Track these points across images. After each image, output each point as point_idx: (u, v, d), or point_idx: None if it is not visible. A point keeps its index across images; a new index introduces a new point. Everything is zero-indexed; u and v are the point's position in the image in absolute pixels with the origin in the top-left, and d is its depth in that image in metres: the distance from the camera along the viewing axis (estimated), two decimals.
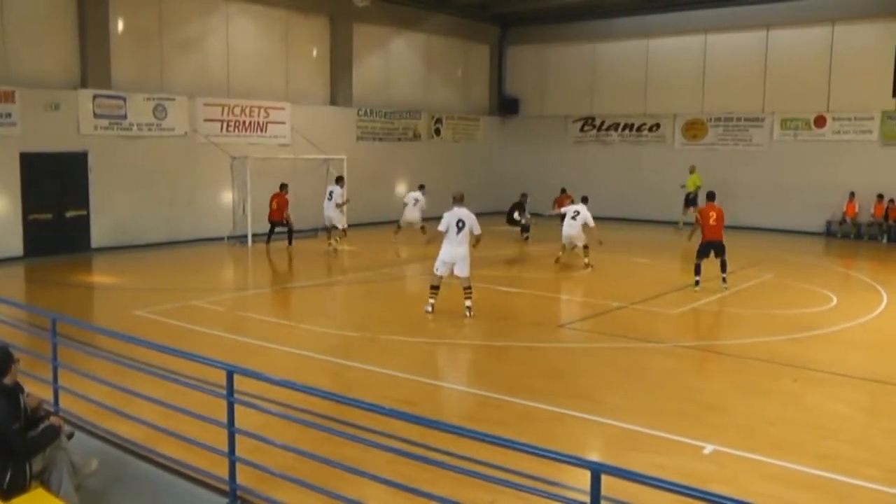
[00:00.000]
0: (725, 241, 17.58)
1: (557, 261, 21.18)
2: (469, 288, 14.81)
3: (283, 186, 23.72)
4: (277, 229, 23.82)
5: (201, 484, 7.29)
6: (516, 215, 25.95)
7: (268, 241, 23.91)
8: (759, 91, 30.21)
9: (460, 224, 14.71)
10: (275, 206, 23.64)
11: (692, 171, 29.77)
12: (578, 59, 34.75)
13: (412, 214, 24.83)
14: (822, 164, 28.61)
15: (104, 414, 8.43)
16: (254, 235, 24.00)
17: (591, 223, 20.38)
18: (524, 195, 26.29)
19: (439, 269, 14.90)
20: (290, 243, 23.58)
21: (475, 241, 15.04)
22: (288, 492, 6.86)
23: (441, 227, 14.96)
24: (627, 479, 4.82)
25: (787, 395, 10.63)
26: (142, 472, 7.69)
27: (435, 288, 15.06)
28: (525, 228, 25.85)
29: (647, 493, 5.38)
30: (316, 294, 17.67)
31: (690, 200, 29.25)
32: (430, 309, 15.00)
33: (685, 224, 28.06)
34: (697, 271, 17.66)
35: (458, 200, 15.03)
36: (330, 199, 23.52)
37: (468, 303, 14.77)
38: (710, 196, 18.51)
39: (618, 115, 33.68)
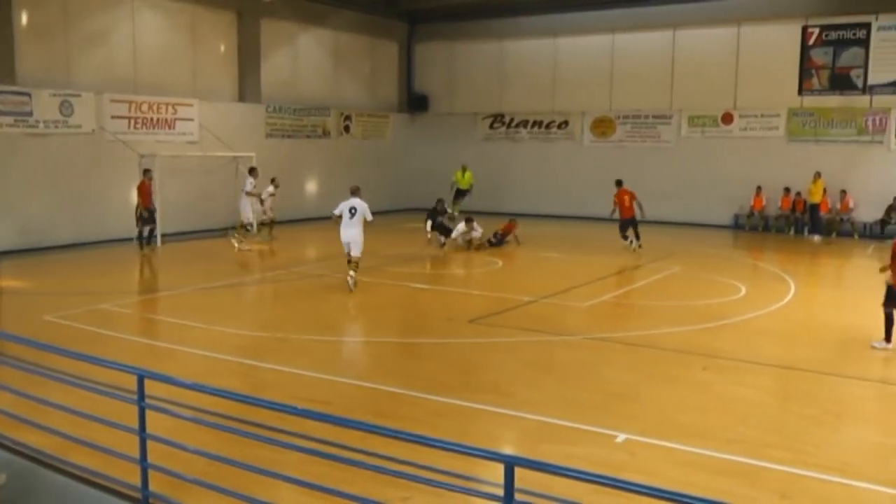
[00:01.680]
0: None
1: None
2: (357, 264, 17.07)
3: (147, 172, 22.43)
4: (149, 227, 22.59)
5: (113, 493, 7.14)
6: (446, 221, 24.89)
7: (142, 242, 22.39)
8: (667, 89, 30.83)
9: (353, 210, 16.89)
10: (141, 192, 22.22)
11: (465, 168, 29.38)
12: (487, 56, 34.97)
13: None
14: (730, 159, 29.36)
15: (12, 424, 8.20)
16: (163, 235, 23.58)
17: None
18: (440, 201, 25.29)
19: (344, 248, 17.15)
20: (148, 242, 22.39)
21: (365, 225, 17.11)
22: (201, 497, 6.78)
23: (335, 212, 17.17)
24: (541, 471, 4.87)
25: (698, 383, 10.87)
26: (52, 482, 7.50)
27: (349, 262, 17.15)
28: (447, 232, 24.77)
29: (561, 484, 5.46)
30: (226, 295, 17.44)
31: (460, 194, 29.10)
32: (348, 280, 17.03)
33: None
34: (625, 239, 23.07)
35: (355, 192, 17.32)
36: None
37: (352, 273, 16.98)
38: (619, 183, 23.26)
39: (527, 112, 34.00)
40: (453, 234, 23.63)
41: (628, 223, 23.03)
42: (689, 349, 12.45)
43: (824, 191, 27.13)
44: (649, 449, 8.38)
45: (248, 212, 23.58)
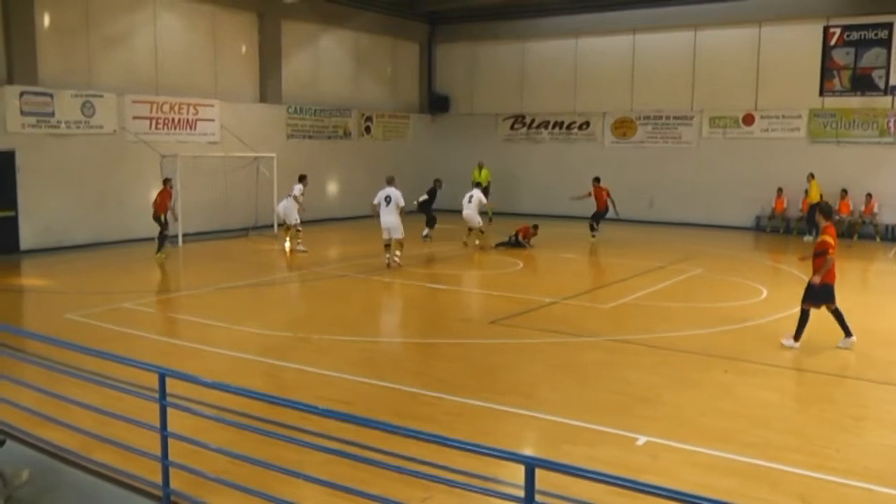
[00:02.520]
0: (655, 235, 18.18)
1: (465, 245, 24.18)
2: (401, 244, 19.74)
3: (167, 181, 22.21)
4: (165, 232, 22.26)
5: (135, 490, 7.17)
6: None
7: (158, 249, 21.91)
8: (688, 90, 30.70)
9: (388, 199, 19.43)
10: (158, 199, 21.84)
11: (481, 166, 31.35)
12: (508, 57, 34.92)
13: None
14: (751, 160, 29.17)
15: (35, 421, 8.25)
16: (184, 235, 23.68)
17: (484, 200, 24.75)
18: (438, 181, 25.95)
19: (384, 234, 19.57)
20: (158, 250, 21.85)
21: (400, 211, 19.65)
22: (222, 495, 6.80)
23: (374, 201, 19.90)
24: (561, 473, 4.86)
25: (719, 385, 10.82)
26: (75, 480, 7.55)
27: (387, 247, 19.71)
28: (432, 222, 25.16)
29: (581, 486, 5.45)
30: (247, 294, 17.50)
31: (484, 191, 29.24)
32: (386, 261, 19.66)
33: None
34: (592, 228, 25.95)
35: (390, 182, 20.05)
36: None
37: (397, 255, 19.69)
38: (597, 180, 25.66)
39: (548, 113, 33.93)
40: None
41: (600, 216, 25.52)
42: (710, 352, 12.39)
43: (842, 193, 26.99)
44: (670, 451, 8.35)
45: (295, 214, 23.60)
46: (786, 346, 12.59)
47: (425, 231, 24.81)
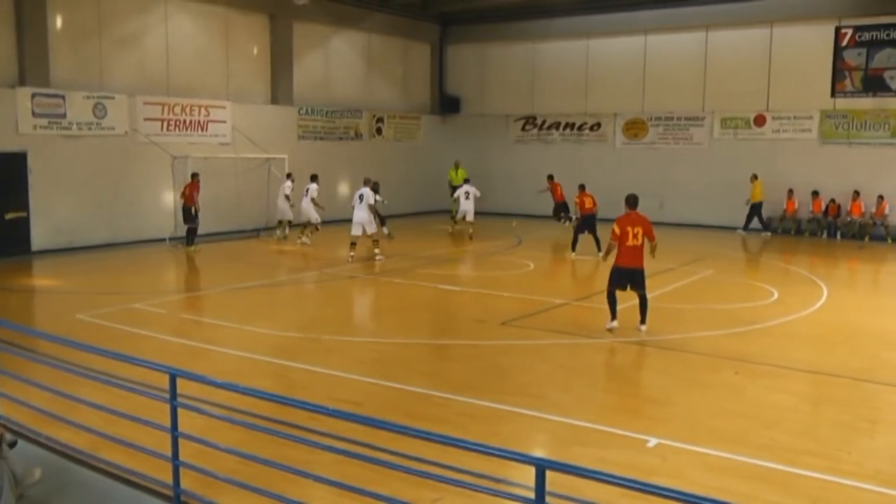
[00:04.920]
0: (666, 236, 18.43)
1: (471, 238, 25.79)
2: (376, 242, 21.26)
3: (195, 175, 23.07)
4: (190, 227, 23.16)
5: (145, 490, 7.19)
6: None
7: (188, 243, 23.12)
8: (699, 91, 30.62)
9: (360, 197, 20.87)
10: (186, 192, 22.81)
11: (457, 165, 32.29)
12: (519, 58, 34.90)
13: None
14: (763, 161, 29.02)
15: (46, 421, 8.29)
16: (196, 236, 23.71)
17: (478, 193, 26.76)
18: (371, 181, 25.27)
19: (353, 229, 20.96)
20: (190, 244, 23.02)
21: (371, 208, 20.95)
22: (233, 495, 6.81)
23: (353, 202, 21.30)
24: (572, 474, 4.85)
25: (729, 387, 10.78)
26: (85, 479, 7.56)
27: (353, 244, 21.16)
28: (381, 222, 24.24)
29: (592, 488, 5.44)
30: (257, 295, 17.52)
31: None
32: (350, 258, 21.05)
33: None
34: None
35: (366, 182, 21.40)
36: (306, 194, 23.96)
37: (376, 251, 21.26)
38: (582, 187, 24.67)
39: (559, 114, 33.89)
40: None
41: (589, 223, 23.23)
42: (721, 353, 12.36)
43: (854, 195, 26.97)
44: (681, 453, 8.33)
45: (313, 212, 23.92)
46: (608, 328, 13.51)
47: (385, 230, 24.21)
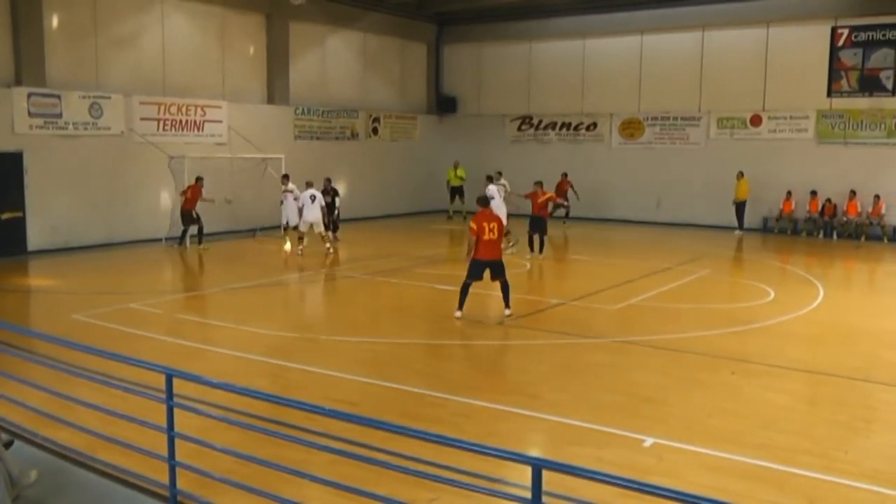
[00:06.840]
0: (662, 236, 18.37)
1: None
2: (327, 239, 22.78)
3: (199, 179, 23.20)
4: (191, 229, 23.35)
5: (142, 490, 7.18)
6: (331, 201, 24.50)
7: (180, 242, 23.53)
8: (696, 91, 30.64)
9: (312, 197, 22.09)
10: (189, 195, 22.89)
11: (456, 165, 32.58)
12: (516, 58, 34.88)
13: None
14: (759, 161, 29.02)
15: (42, 421, 8.27)
16: (191, 236, 23.71)
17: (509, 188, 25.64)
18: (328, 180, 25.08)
19: (302, 226, 22.33)
20: (199, 242, 23.33)
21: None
22: (229, 495, 6.80)
23: (302, 201, 22.33)
24: (568, 474, 4.85)
25: (726, 387, 10.80)
26: (81, 479, 7.55)
27: (300, 239, 22.53)
28: (334, 227, 24.58)
29: (588, 487, 5.44)
30: (254, 295, 17.51)
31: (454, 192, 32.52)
32: (299, 252, 22.22)
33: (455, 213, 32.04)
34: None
35: (310, 185, 22.58)
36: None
37: (328, 245, 22.68)
38: (539, 183, 23.56)
39: (555, 114, 33.87)
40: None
41: (556, 206, 24.73)
42: (717, 353, 12.37)
43: (851, 194, 27.03)
44: (677, 453, 8.34)
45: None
46: (457, 317, 14.39)
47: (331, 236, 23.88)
